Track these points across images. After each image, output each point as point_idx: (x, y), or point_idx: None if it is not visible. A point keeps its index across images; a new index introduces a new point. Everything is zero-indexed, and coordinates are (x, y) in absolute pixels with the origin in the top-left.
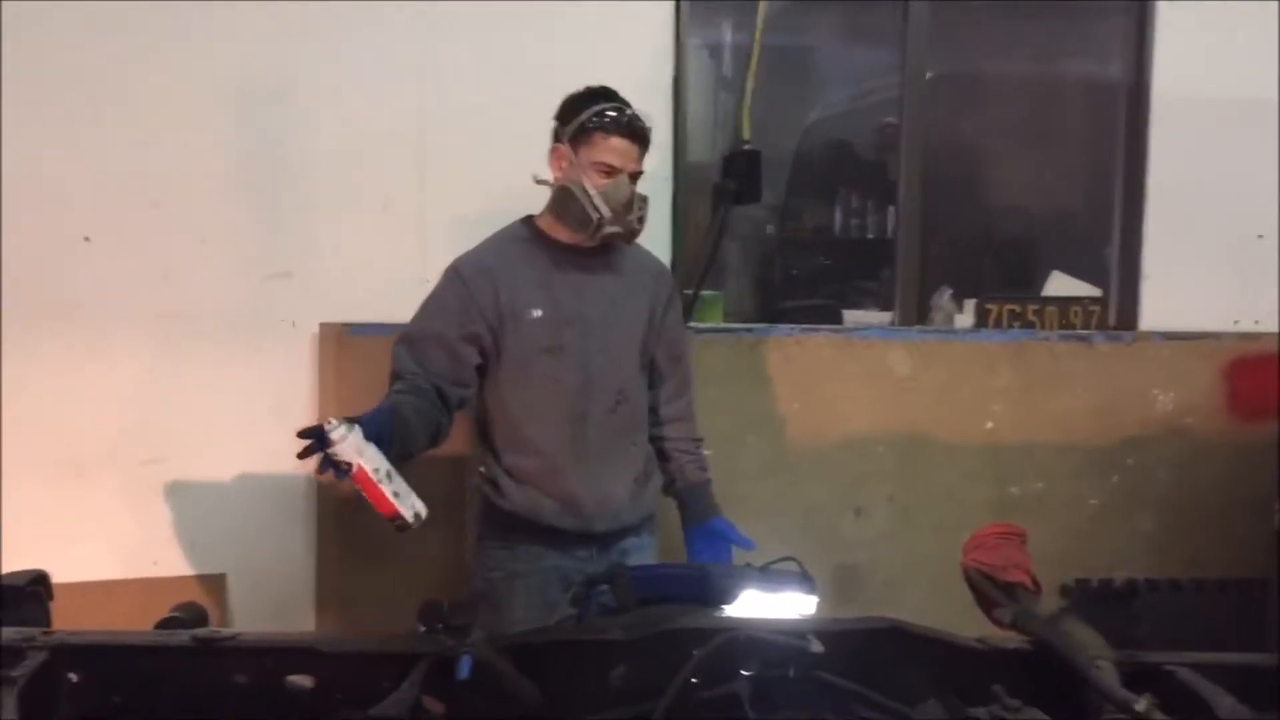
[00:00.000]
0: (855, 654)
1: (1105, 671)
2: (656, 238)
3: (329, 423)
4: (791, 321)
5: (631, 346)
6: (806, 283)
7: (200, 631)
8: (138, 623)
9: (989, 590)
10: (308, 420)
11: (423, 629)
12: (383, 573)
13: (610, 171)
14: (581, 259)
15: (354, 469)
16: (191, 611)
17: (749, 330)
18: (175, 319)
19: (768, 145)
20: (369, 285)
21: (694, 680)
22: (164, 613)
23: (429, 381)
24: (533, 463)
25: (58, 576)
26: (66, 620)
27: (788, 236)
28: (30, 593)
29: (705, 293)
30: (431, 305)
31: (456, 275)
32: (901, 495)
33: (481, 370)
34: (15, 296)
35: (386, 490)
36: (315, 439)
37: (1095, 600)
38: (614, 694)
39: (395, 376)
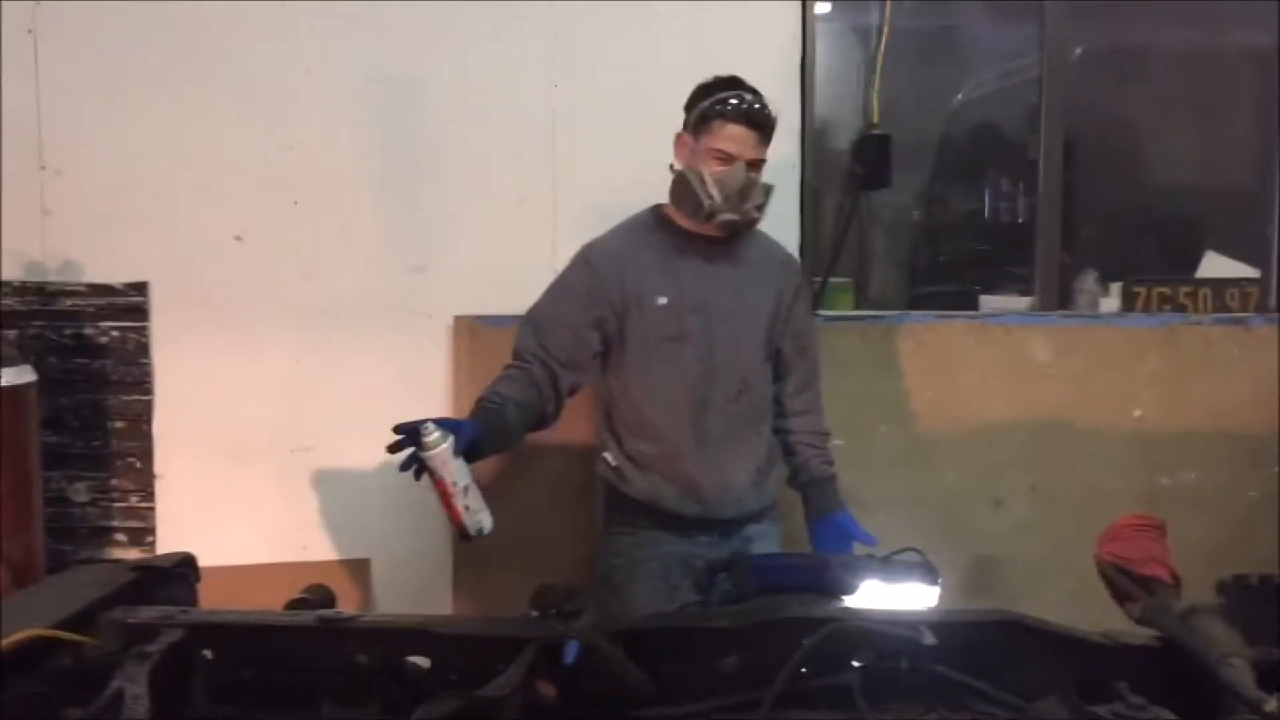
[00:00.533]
0: (972, 647)
1: (1237, 670)
2: (785, 225)
3: (426, 427)
4: (928, 308)
5: (755, 336)
6: (950, 269)
7: (325, 612)
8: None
9: (1124, 584)
10: (444, 410)
11: (535, 613)
12: (516, 559)
13: (726, 159)
14: (707, 247)
15: (436, 478)
16: (319, 593)
17: (880, 318)
18: (319, 313)
19: (912, 130)
20: (501, 278)
21: (804, 670)
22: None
23: (544, 367)
24: (654, 448)
25: (211, 560)
26: (219, 601)
27: (932, 222)
28: (178, 574)
29: (834, 280)
30: (558, 289)
31: (585, 261)
32: (1044, 485)
33: (605, 356)
34: (169, 293)
35: (459, 504)
36: (409, 438)
37: (1254, 598)
38: (725, 682)
39: (516, 355)
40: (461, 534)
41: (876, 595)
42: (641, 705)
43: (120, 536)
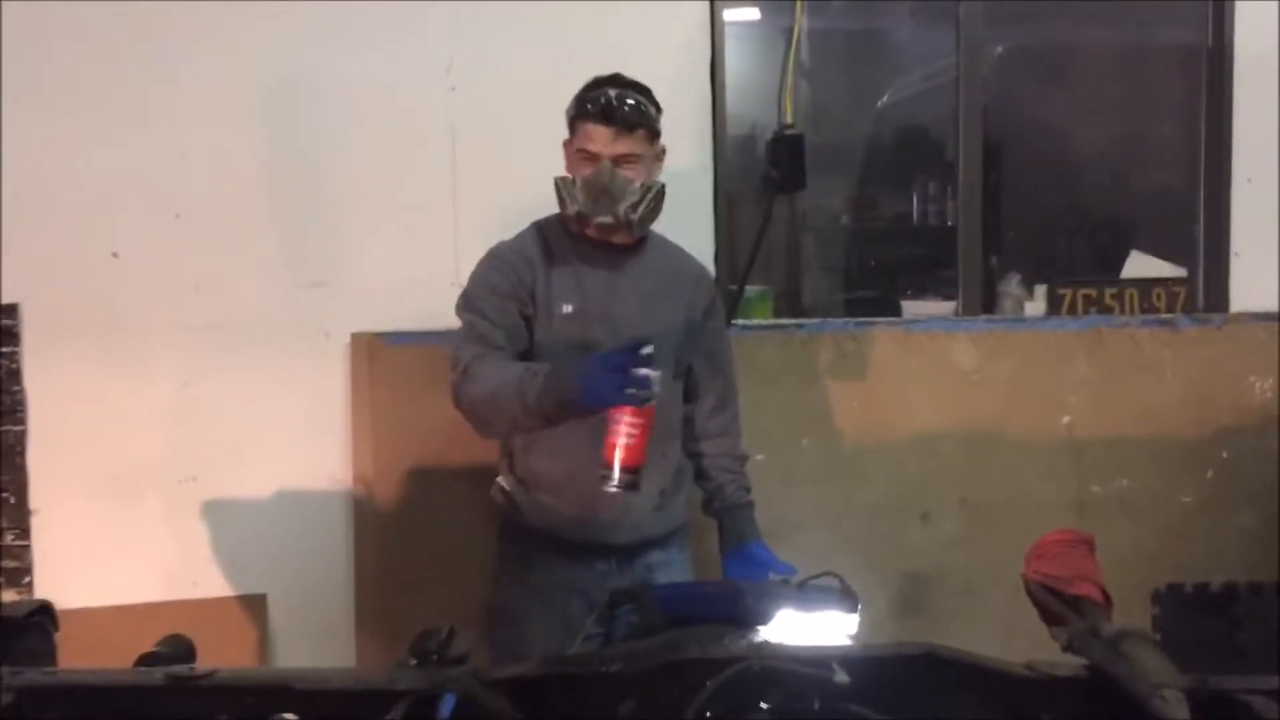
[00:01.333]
0: (889, 683)
1: (1170, 703)
2: (699, 232)
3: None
4: (850, 315)
5: (663, 351)
6: (874, 274)
7: (175, 670)
8: None
9: (1052, 604)
10: (341, 433)
11: (413, 661)
12: (423, 591)
13: (591, 158)
14: (614, 257)
15: (652, 399)
16: (176, 645)
17: (800, 326)
18: (208, 331)
19: (841, 133)
20: (402, 293)
21: (709, 715)
22: (200, 636)
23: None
24: (548, 467)
25: (96, 600)
26: (104, 647)
27: (862, 226)
28: (34, 624)
29: (752, 288)
30: (476, 281)
31: (494, 255)
32: (973, 496)
33: None
34: (41, 314)
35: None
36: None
37: (1191, 607)
38: None
39: (477, 340)
40: (633, 472)
41: (792, 624)
42: None
43: None
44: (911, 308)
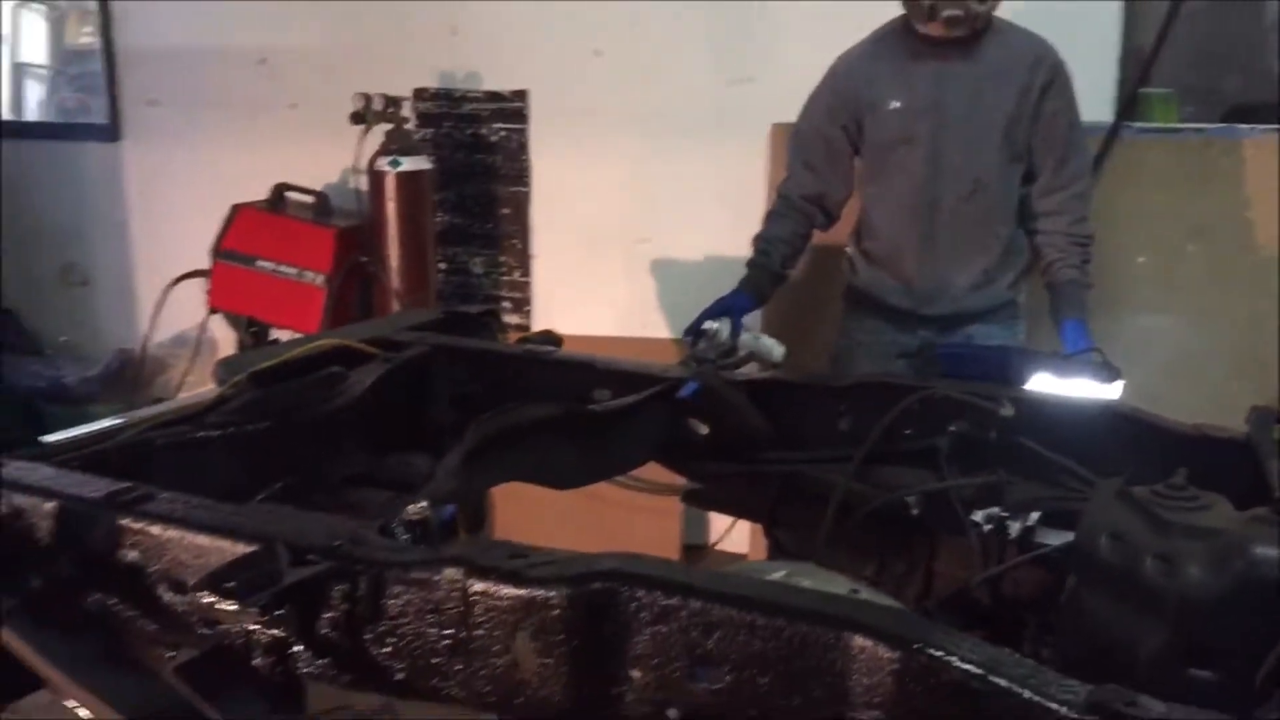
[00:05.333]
0: (1068, 428)
1: None
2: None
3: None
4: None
5: (993, 136)
6: None
7: (532, 347)
8: None
9: None
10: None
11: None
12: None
13: None
14: (944, 49)
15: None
16: (548, 337)
17: (1199, 131)
18: (657, 120)
19: None
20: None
21: (907, 432)
22: None
23: (807, 193)
24: (879, 246)
25: (574, 329)
26: None
27: None
28: (481, 321)
29: (1152, 90)
30: (811, 101)
31: (832, 72)
32: None
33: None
34: (543, 98)
35: None
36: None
37: None
38: (838, 438)
39: (787, 171)
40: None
41: (1051, 386)
42: (759, 448)
43: (506, 304)
44: None
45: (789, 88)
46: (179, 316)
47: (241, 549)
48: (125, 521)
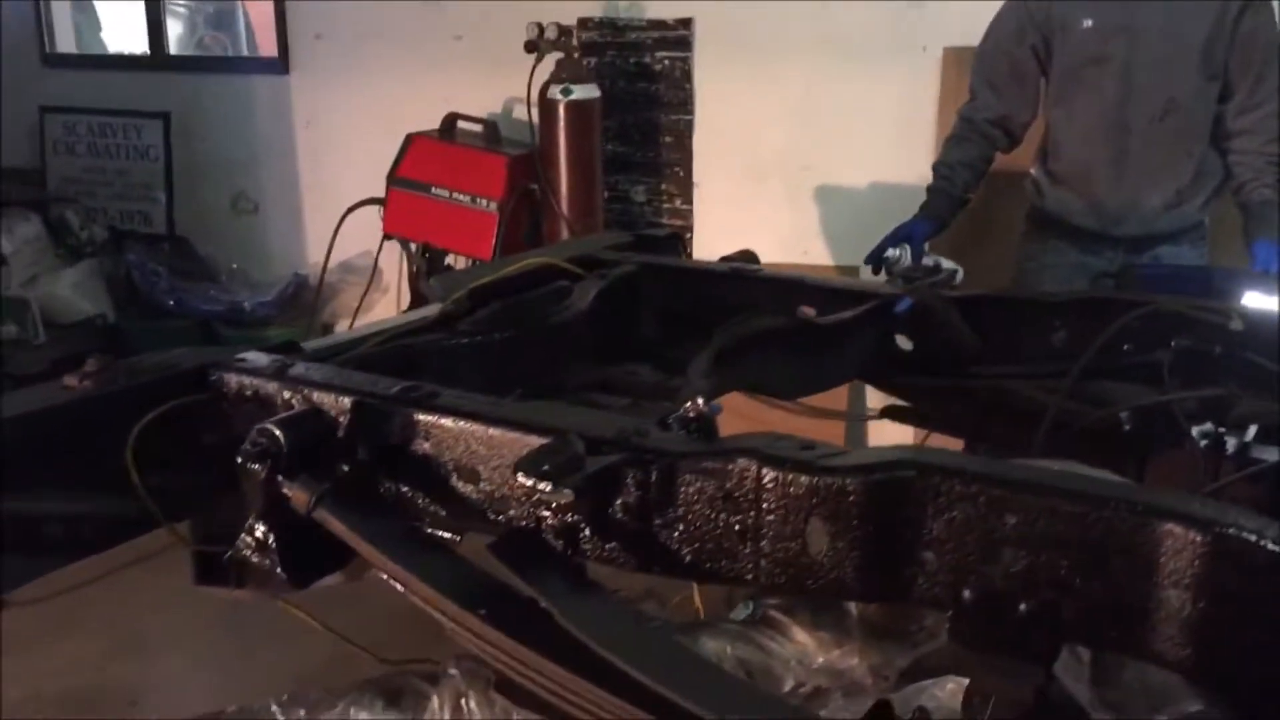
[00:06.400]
0: None
1: None
2: None
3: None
4: None
5: (1188, 55)
6: None
7: (736, 265)
8: None
9: None
10: (928, 137)
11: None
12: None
13: None
14: None
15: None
16: (747, 255)
17: None
18: (826, 45)
19: None
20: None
21: (1126, 347)
22: None
23: (994, 113)
24: (1067, 167)
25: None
26: None
27: None
28: (667, 243)
29: None
30: (996, 20)
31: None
32: None
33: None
34: (707, 26)
35: None
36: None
37: None
38: (1051, 353)
39: (971, 94)
40: None
41: (1261, 304)
42: (966, 364)
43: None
44: None
45: (963, 10)
46: (344, 243)
47: (535, 441)
48: (419, 415)
